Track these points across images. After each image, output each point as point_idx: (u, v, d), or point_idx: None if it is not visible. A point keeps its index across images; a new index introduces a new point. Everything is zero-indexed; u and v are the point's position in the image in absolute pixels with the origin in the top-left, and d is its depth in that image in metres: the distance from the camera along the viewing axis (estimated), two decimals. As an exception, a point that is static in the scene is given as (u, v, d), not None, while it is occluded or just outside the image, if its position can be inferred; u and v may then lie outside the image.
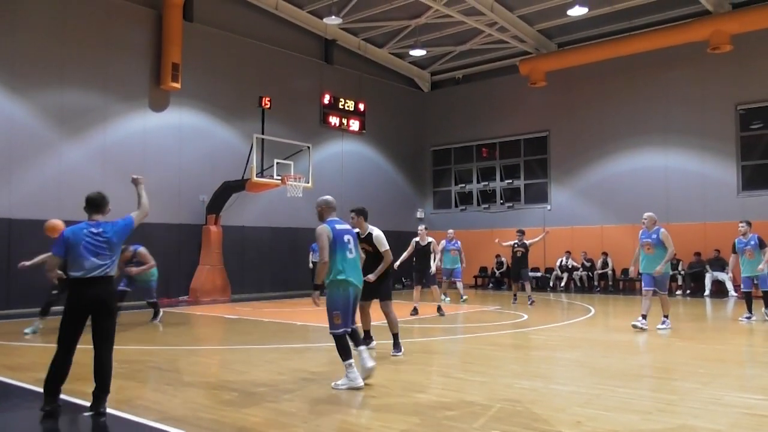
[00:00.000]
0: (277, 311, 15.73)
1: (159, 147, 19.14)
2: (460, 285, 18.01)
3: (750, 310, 12.94)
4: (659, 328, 11.37)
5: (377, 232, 9.07)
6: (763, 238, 13.02)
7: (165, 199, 19.02)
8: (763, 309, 13.18)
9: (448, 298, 17.95)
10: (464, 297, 18.10)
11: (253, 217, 21.18)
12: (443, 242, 17.29)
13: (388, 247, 9.09)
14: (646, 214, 11.93)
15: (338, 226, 7.36)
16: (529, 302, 17.07)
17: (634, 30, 22.04)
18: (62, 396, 5.94)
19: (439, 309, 14.41)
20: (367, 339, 9.41)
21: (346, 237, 7.40)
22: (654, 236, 11.56)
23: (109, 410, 5.84)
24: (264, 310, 16.07)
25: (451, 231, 17.95)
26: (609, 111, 23.29)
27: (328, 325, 7.27)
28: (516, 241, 17.64)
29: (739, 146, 20.75)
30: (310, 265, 19.78)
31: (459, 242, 17.82)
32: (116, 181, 17.91)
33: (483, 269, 25.60)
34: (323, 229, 7.23)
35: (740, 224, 13.28)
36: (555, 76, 23.65)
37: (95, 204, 6.26)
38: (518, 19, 22.36)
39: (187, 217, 19.53)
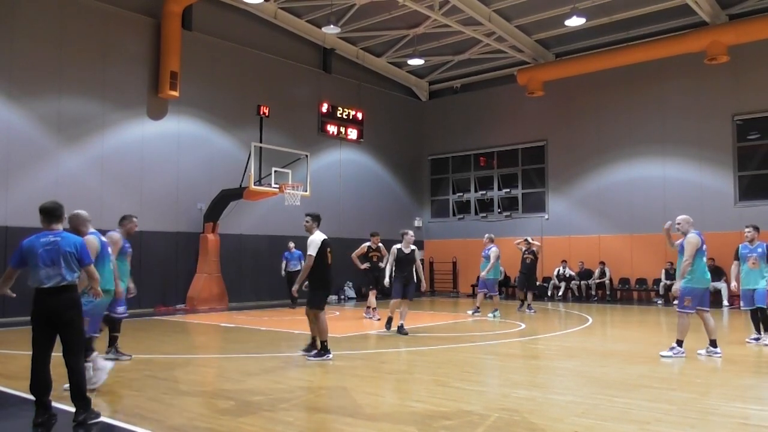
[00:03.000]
0: (274, 320, 15.69)
1: (157, 155, 19.14)
2: (480, 297, 17.14)
3: (758, 329, 11.28)
4: (662, 355, 9.60)
5: (312, 237, 9.46)
6: None
7: (162, 207, 19.02)
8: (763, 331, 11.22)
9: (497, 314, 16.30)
10: (478, 310, 16.98)
11: (250, 226, 21.17)
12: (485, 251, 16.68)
13: (312, 253, 9.34)
14: (679, 218, 9.95)
15: (102, 238, 7.55)
16: (531, 311, 17.47)
17: (632, 41, 22.13)
18: (60, 406, 5.92)
19: (401, 327, 12.65)
20: (319, 348, 9.45)
21: (109, 248, 7.70)
22: (681, 242, 9.75)
23: (105, 419, 5.83)
24: (261, 318, 16.03)
25: (487, 235, 16.97)
26: (606, 121, 23.35)
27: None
28: (525, 249, 18.07)
29: (736, 157, 20.79)
30: (282, 273, 18.82)
31: (491, 248, 16.61)
32: (114, 190, 17.97)
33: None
34: (94, 240, 7.19)
35: (746, 229, 11.36)
36: (553, 85, 23.72)
37: (51, 213, 6.04)
38: (516, 29, 22.43)
39: (184, 225, 19.51)
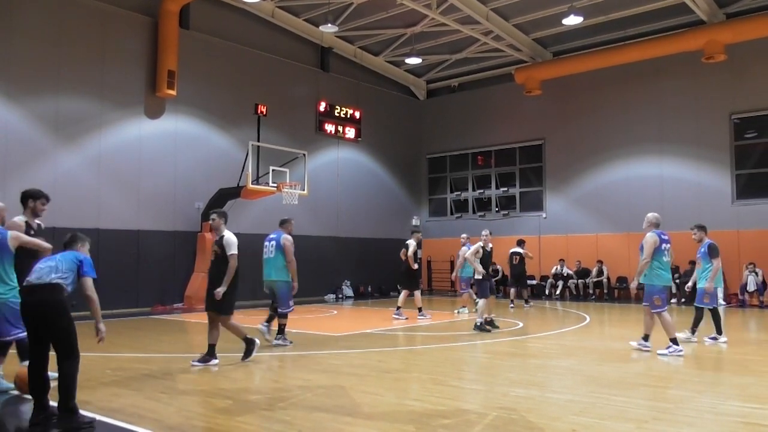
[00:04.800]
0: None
1: (154, 154, 19.13)
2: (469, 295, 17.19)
3: (719, 329, 11.25)
4: (659, 353, 9.69)
5: (228, 235, 8.96)
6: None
7: (160, 206, 19.01)
8: (690, 327, 11.36)
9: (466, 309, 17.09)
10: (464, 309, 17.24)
11: (248, 225, 21.09)
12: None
13: (235, 252, 8.84)
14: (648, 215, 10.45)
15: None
16: (527, 305, 18.83)
17: (629, 39, 22.13)
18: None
19: (492, 322, 13.20)
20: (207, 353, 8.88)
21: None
22: (642, 241, 10.18)
23: (103, 418, 5.81)
24: (258, 317, 15.99)
25: (463, 235, 17.42)
26: (604, 120, 23.37)
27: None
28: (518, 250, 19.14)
29: (733, 155, 20.81)
30: None
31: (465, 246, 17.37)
32: (111, 189, 17.96)
33: (478, 277, 25.56)
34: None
35: (692, 231, 11.61)
36: (550, 84, 23.72)
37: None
38: (513, 27, 22.44)
39: (182, 224, 19.50)
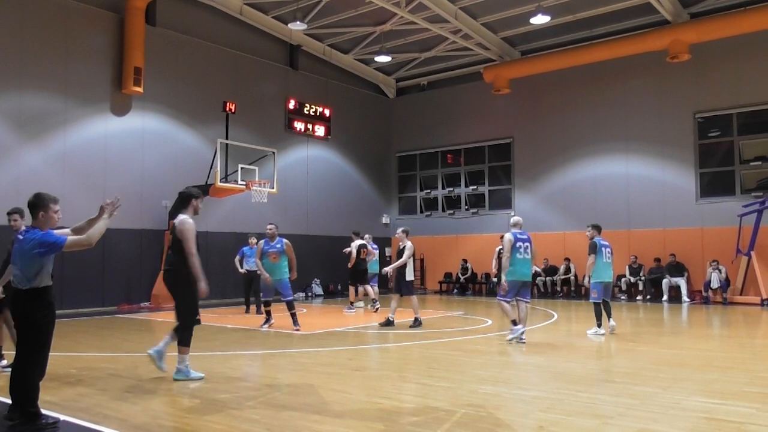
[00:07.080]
0: (240, 317, 15.59)
1: (121, 152, 18.89)
2: (374, 291, 17.31)
3: (601, 321, 11.96)
4: (508, 339, 10.80)
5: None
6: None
7: (126, 204, 18.55)
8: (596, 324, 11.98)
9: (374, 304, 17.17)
10: (376, 302, 17.14)
11: (217, 223, 20.99)
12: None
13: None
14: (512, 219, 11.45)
15: None
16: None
17: (596, 39, 22.38)
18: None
19: (416, 321, 13.52)
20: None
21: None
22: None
23: (68, 418, 5.74)
24: (227, 316, 15.92)
25: (366, 235, 18.49)
26: (571, 118, 23.59)
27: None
28: (501, 247, 19.08)
29: (697, 154, 21.14)
30: (241, 269, 16.47)
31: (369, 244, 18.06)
32: (76, 186, 17.70)
33: (448, 275, 25.69)
34: None
35: (587, 228, 12.29)
36: (518, 83, 23.90)
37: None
38: (482, 26, 22.56)
39: (149, 223, 19.29)
